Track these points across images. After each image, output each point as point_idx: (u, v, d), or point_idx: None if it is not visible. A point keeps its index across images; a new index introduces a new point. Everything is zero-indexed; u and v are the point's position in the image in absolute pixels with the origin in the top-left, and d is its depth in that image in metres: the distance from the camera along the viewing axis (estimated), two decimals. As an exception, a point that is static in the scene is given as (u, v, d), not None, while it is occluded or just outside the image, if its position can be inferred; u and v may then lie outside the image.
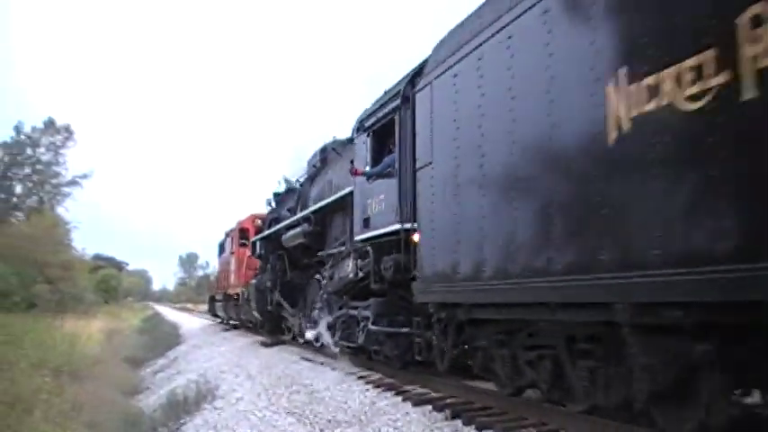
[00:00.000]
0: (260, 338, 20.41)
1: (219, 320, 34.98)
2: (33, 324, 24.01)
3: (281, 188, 20.30)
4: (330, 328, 12.98)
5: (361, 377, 11.06)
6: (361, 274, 10.79)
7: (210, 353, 20.27)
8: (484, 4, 7.51)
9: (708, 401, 4.93)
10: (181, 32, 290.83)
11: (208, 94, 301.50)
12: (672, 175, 4.66)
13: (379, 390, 9.66)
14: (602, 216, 5.25)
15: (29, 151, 55.43)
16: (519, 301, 6.44)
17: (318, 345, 13.80)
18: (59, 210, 53.87)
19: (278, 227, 17.61)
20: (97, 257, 72.11)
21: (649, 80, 4.86)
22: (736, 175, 4.21)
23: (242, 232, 26.49)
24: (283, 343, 18.60)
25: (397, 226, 9.45)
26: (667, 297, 4.66)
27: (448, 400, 8.32)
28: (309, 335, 14.54)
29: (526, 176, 6.31)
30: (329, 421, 8.51)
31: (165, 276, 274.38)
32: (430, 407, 8.15)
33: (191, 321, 44.87)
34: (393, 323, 10.25)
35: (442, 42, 8.63)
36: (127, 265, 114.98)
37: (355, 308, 11.30)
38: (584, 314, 5.62)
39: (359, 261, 10.91)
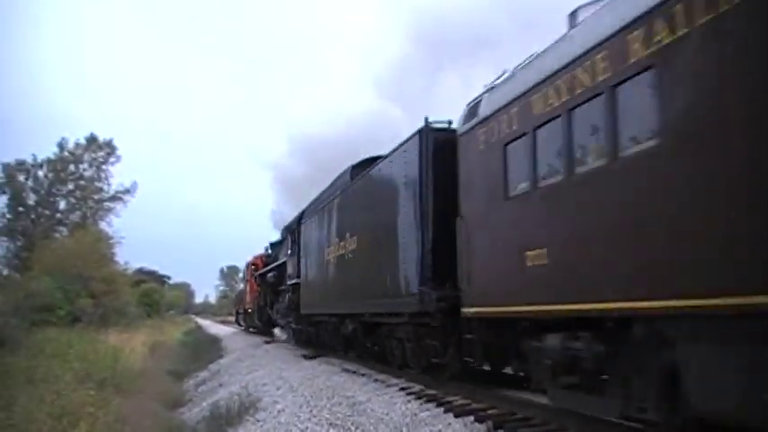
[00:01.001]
0: (302, 352, 20.82)
1: (242, 327, 50.23)
2: (78, 338, 24.47)
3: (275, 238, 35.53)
4: (283, 327, 28.86)
5: (402, 388, 11.12)
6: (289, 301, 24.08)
7: (252, 365, 20.53)
8: (321, 195, 19.19)
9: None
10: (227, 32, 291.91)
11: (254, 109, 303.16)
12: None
13: (421, 401, 9.73)
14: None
15: (72, 168, 56.53)
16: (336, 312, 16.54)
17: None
18: (102, 225, 55.19)
19: (264, 270, 33.07)
20: (140, 271, 73.29)
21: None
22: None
23: (253, 266, 38.39)
24: (323, 355, 18.76)
25: (296, 280, 21.79)
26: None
27: (489, 411, 8.34)
28: (277, 330, 33.09)
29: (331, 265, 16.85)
30: (371, 433, 8.61)
31: (206, 288, 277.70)
32: (472, 417, 8.20)
33: (232, 334, 45.77)
34: (298, 324, 23.28)
35: (308, 207, 21.28)
36: (169, 278, 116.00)
37: (289, 317, 24.84)
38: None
39: (289, 294, 24.09)
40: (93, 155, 57.13)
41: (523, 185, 7.86)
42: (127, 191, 58.31)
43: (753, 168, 4.90)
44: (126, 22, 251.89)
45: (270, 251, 34.87)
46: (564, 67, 7.15)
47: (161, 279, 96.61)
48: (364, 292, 13.39)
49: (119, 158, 57.99)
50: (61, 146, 56.54)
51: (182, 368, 25.64)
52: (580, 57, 6.89)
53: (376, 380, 12.62)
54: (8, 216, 53.34)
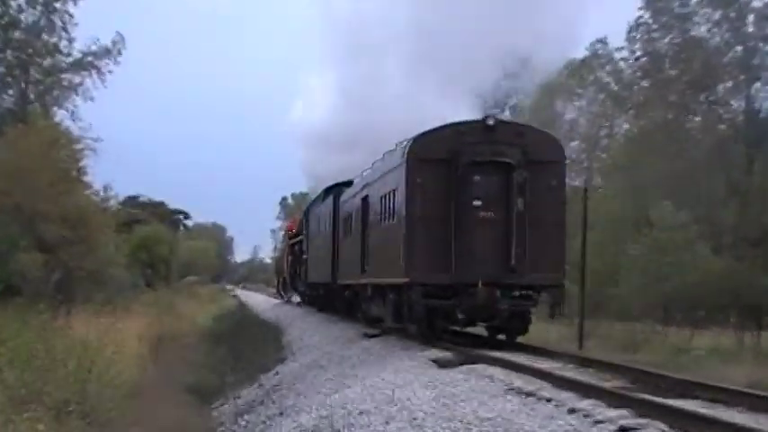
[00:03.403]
0: (433, 353, 14.90)
1: (284, 300, 51.71)
2: (16, 325, 15.45)
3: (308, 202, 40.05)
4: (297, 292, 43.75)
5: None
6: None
7: (340, 375, 15.61)
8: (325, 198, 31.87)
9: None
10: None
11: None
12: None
13: None
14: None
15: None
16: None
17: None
18: (60, 115, 32.56)
19: (295, 240, 42.30)
20: (133, 203, 45.12)
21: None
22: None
23: (290, 231, 44.55)
24: (474, 362, 13.39)
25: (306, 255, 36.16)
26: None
27: None
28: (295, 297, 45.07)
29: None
30: None
31: (258, 235, 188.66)
32: None
33: (299, 317, 32.47)
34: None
35: (309, 206, 38.16)
36: (188, 217, 70.95)
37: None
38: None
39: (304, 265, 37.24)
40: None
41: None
42: (106, 52, 33.30)
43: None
44: None
45: (305, 217, 38.11)
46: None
47: (174, 218, 59.32)
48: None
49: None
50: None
51: (210, 381, 18.80)
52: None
53: (573, 410, 8.24)
54: None
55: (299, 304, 43.93)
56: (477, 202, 15.61)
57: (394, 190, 16.78)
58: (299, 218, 42.73)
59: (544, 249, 15.63)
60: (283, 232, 47.72)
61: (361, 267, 20.60)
